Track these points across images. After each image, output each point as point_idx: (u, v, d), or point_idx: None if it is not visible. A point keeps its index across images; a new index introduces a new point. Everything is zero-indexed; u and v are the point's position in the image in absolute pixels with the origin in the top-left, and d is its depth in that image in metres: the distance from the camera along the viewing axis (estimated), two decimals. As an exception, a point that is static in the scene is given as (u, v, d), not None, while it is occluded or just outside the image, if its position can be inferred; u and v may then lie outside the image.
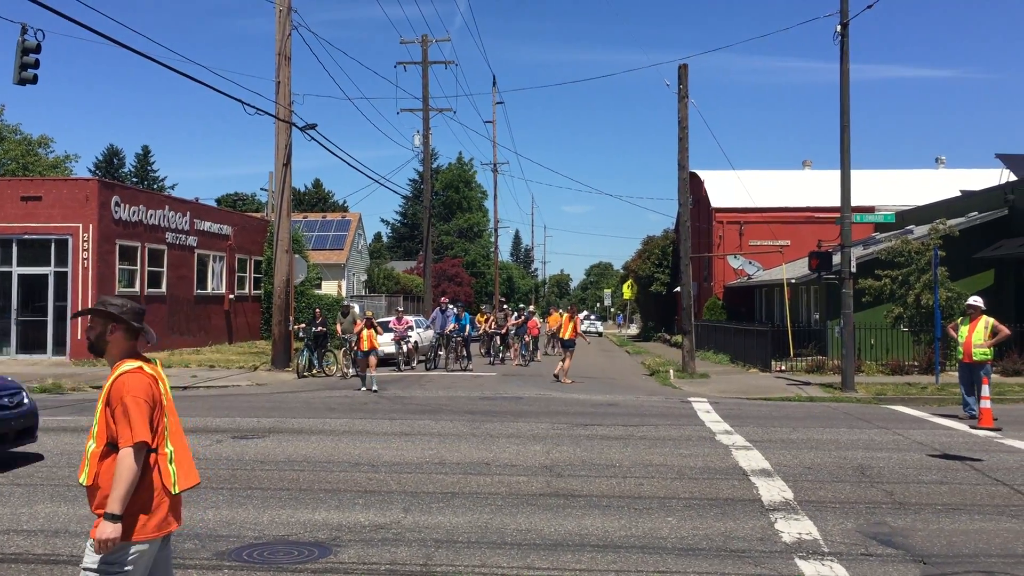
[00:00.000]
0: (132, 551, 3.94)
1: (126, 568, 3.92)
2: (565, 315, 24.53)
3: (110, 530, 3.84)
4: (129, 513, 3.91)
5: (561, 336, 23.75)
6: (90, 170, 78.70)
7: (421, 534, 7.49)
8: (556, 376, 23.05)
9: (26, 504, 8.55)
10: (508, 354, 31.10)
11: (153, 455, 4.03)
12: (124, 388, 3.97)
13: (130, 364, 4.09)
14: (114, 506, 3.85)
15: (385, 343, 24.50)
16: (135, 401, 3.94)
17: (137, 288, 28.95)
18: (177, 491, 4.11)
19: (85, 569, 3.92)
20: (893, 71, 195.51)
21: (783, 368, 25.47)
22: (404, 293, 56.43)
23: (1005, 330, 15.16)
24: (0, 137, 50.11)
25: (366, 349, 20.27)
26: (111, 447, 3.97)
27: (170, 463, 4.09)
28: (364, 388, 19.90)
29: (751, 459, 11.05)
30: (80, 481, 4.11)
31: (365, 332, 20.40)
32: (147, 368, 4.12)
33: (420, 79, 40.25)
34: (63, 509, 8.34)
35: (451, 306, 28.33)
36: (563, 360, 23.28)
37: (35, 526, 7.75)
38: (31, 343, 26.46)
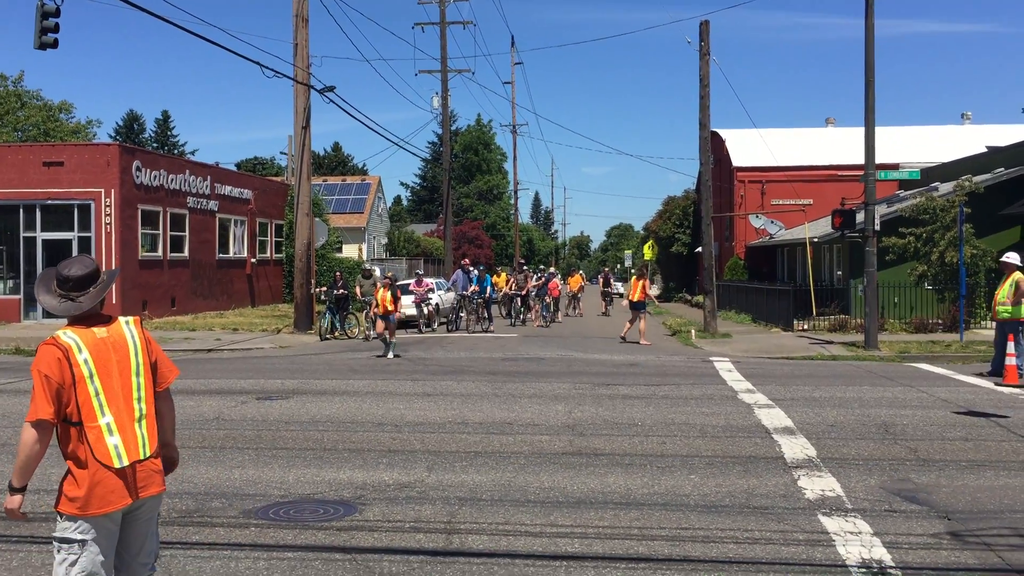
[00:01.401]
0: (78, 525, 3.77)
1: (74, 543, 3.77)
2: (633, 278, 24.22)
3: (6, 501, 3.84)
4: (64, 489, 3.80)
5: (630, 299, 23.42)
6: (111, 136, 78.91)
7: (445, 492, 7.56)
8: (623, 338, 23.12)
9: None
10: (529, 315, 31.16)
11: (77, 428, 3.79)
12: (34, 360, 3.84)
13: (57, 332, 3.88)
14: (12, 478, 3.82)
15: (406, 305, 23.82)
16: (37, 375, 3.76)
17: (160, 252, 29.17)
18: (124, 464, 3.81)
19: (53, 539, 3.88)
20: (918, 25, 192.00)
21: (805, 327, 25.35)
22: (425, 256, 56.55)
23: None
24: (21, 103, 50.29)
25: (383, 313, 19.38)
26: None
27: (108, 434, 3.81)
28: (390, 355, 18.92)
29: (773, 417, 11.05)
30: None
31: (381, 294, 19.59)
32: (66, 336, 3.84)
33: (438, 40, 39.82)
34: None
35: (472, 268, 28.29)
36: (636, 322, 22.89)
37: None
38: (57, 308, 26.73)
